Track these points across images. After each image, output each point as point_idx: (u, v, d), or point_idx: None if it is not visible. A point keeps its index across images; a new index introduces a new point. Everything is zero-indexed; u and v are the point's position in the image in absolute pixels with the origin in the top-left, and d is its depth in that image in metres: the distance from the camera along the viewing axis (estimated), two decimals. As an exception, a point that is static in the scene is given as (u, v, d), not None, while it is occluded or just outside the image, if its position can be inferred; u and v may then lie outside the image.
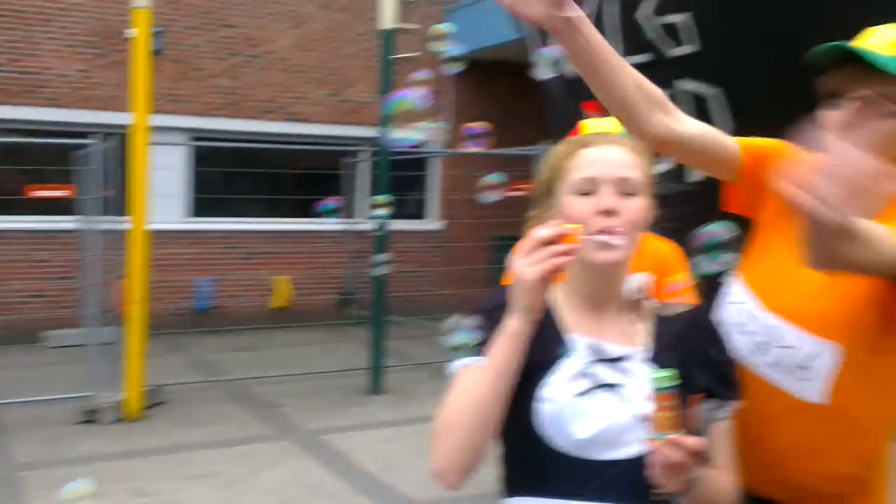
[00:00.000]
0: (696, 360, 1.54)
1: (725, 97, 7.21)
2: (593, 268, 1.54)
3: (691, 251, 1.56)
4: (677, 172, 7.98)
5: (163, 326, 9.76)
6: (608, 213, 1.50)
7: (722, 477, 1.53)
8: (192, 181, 11.08)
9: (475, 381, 1.46)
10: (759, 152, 1.72)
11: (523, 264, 1.42)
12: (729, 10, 7.16)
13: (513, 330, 1.44)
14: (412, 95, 1.50)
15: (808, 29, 6.80)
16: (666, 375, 1.35)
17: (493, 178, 1.99)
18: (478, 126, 2.17)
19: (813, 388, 1.61)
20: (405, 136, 1.52)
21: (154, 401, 6.89)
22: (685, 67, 7.61)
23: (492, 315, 1.51)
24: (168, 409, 6.88)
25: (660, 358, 1.53)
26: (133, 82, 6.70)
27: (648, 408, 1.40)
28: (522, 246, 1.44)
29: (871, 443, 1.68)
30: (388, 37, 7.87)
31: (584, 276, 1.55)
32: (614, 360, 1.52)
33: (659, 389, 1.34)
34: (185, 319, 10.65)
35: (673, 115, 1.69)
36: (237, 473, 5.43)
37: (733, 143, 1.71)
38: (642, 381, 1.49)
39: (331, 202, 2.34)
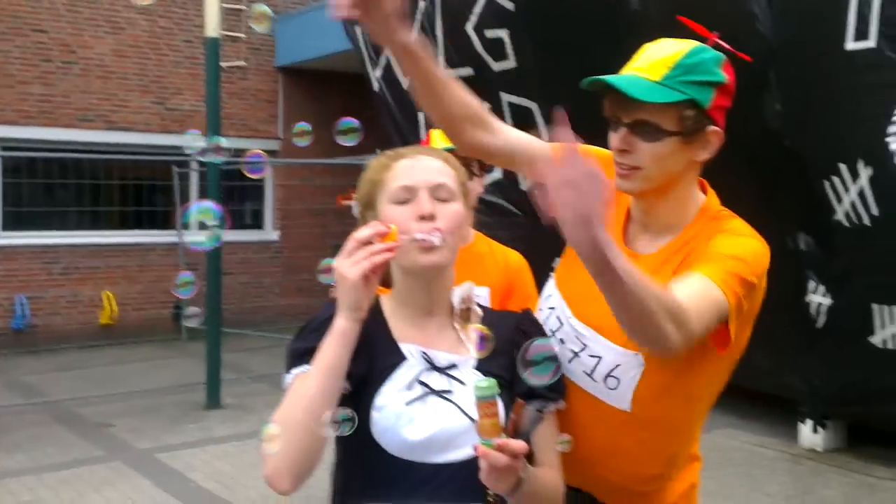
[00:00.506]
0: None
1: (541, 111, 7.61)
2: (419, 273, 1.59)
3: (520, 359, 1.54)
4: (511, 181, 8.34)
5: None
6: (426, 217, 1.55)
7: (549, 475, 1.60)
8: (3, 194, 10.40)
9: (305, 382, 1.49)
10: None
11: (345, 264, 1.48)
12: (536, 28, 7.58)
13: (339, 329, 1.49)
14: (207, 206, 1.53)
15: (605, 51, 7.27)
16: (487, 384, 1.39)
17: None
18: (256, 153, 2.25)
19: (619, 396, 1.67)
20: (196, 240, 1.59)
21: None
22: (507, 82, 7.98)
23: (324, 326, 1.54)
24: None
25: (489, 364, 1.58)
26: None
27: (475, 414, 1.45)
28: (344, 248, 1.51)
29: (673, 446, 1.76)
30: (213, 45, 7.71)
31: (412, 285, 1.61)
32: (445, 369, 1.57)
33: (481, 398, 1.39)
34: (3, 340, 9.95)
35: (489, 129, 1.79)
36: (63, 499, 5.16)
37: (547, 151, 1.78)
38: (471, 388, 1.53)
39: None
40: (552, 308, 1.79)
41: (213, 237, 1.78)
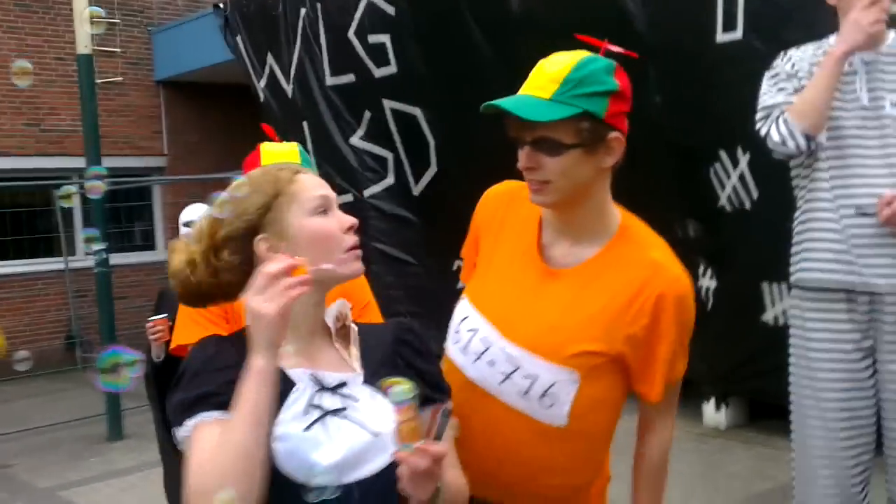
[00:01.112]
0: (409, 374, 1.58)
1: (425, 116, 7.65)
2: (342, 282, 1.61)
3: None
4: (402, 184, 8.33)
5: None
6: (353, 228, 1.59)
7: (456, 476, 1.62)
8: None
9: (231, 431, 1.41)
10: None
11: (258, 301, 1.42)
12: (418, 32, 7.61)
13: (259, 368, 1.42)
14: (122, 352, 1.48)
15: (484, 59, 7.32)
16: (405, 388, 1.40)
17: None
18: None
19: (555, 413, 1.71)
20: (110, 383, 1.49)
21: None
22: (390, 88, 7.97)
23: (207, 370, 1.50)
24: None
25: (375, 378, 1.57)
26: None
27: (381, 425, 1.47)
28: (252, 283, 1.45)
29: (602, 452, 1.87)
30: (87, 61, 7.42)
31: (303, 308, 1.55)
32: (336, 388, 1.55)
33: (399, 402, 1.39)
34: None
35: None
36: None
37: None
38: (366, 403, 1.54)
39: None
40: (473, 330, 1.79)
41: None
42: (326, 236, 1.55)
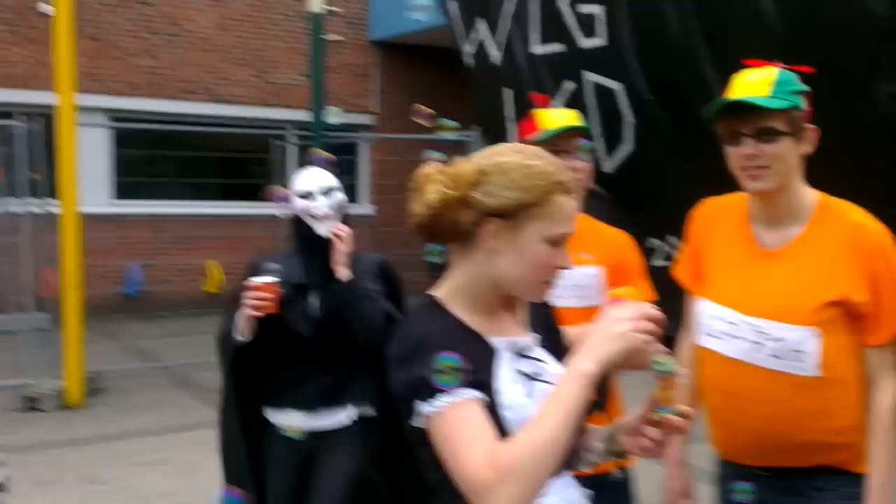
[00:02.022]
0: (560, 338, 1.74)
1: (626, 93, 7.53)
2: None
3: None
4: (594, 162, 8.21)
5: (93, 312, 9.50)
6: (562, 269, 1.59)
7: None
8: (114, 164, 10.79)
9: (547, 428, 1.39)
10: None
11: (624, 325, 1.44)
12: (632, 9, 7.43)
13: (590, 376, 1.42)
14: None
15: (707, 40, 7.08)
16: (670, 360, 1.50)
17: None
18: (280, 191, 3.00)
19: (807, 366, 2.01)
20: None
21: (93, 388, 6.75)
22: (593, 60, 7.87)
23: (449, 344, 1.48)
24: (109, 396, 6.74)
25: (547, 341, 1.65)
26: (56, 61, 6.50)
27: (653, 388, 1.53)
28: (624, 311, 1.46)
29: (856, 398, 2.07)
30: (318, 20, 7.83)
31: (489, 285, 1.57)
32: (527, 353, 1.61)
33: (665, 372, 1.49)
34: (115, 305, 10.39)
35: None
36: (188, 459, 5.39)
37: None
38: (550, 365, 1.61)
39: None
40: (719, 318, 2.11)
41: None
42: (541, 267, 1.55)
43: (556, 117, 2.52)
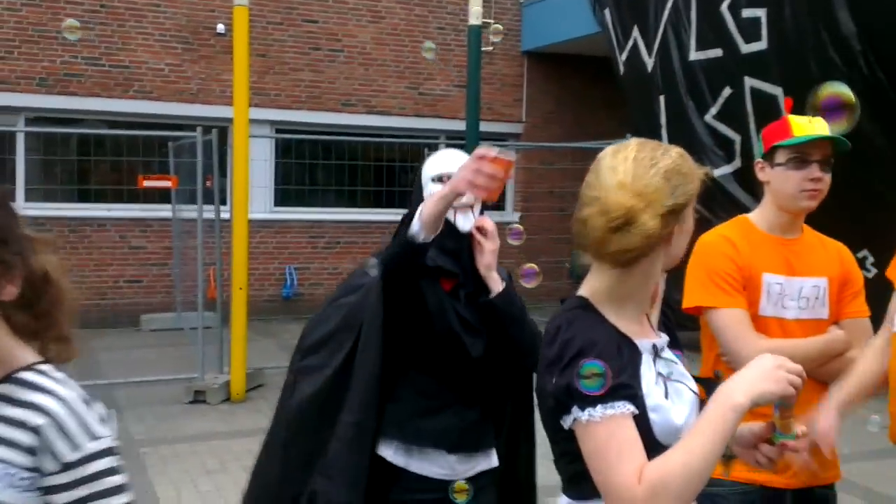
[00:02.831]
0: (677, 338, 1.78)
1: (785, 96, 7.25)
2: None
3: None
4: (749, 171, 8.02)
5: (253, 312, 10.07)
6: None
7: None
8: (276, 173, 11.38)
9: (698, 458, 1.43)
10: None
11: (780, 371, 1.51)
12: (794, 11, 7.16)
13: (742, 410, 1.47)
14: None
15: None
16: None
17: None
18: (529, 268, 2.50)
19: None
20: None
21: (254, 383, 7.16)
22: (753, 65, 7.65)
23: (613, 356, 1.50)
24: (268, 391, 7.13)
25: (673, 341, 1.71)
26: (233, 78, 6.94)
27: (693, 384, 1.66)
28: (781, 361, 1.52)
29: None
30: (476, 33, 7.99)
31: (641, 282, 1.61)
32: (662, 353, 1.65)
33: (783, 406, 1.59)
34: (274, 306, 10.97)
35: None
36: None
37: None
38: (679, 364, 1.69)
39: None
40: None
41: None
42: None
43: (805, 125, 2.39)
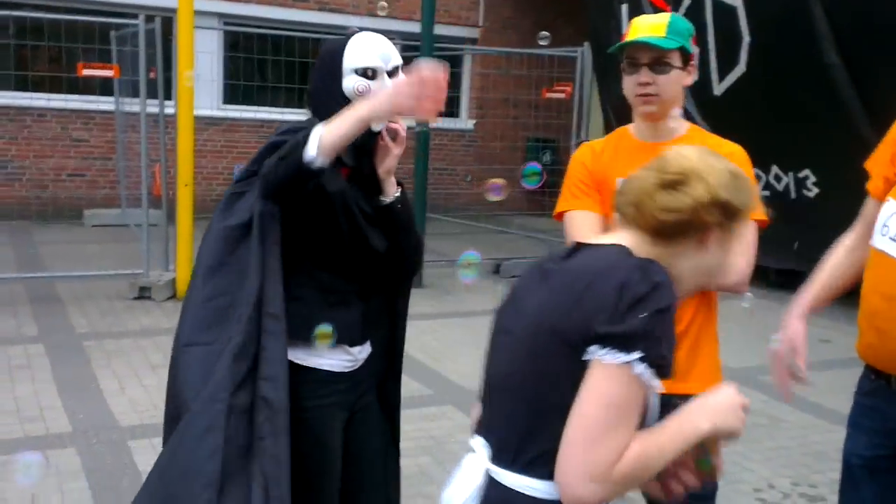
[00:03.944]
0: None
1: (746, 11, 7.28)
2: None
3: None
4: (703, 85, 7.98)
5: (200, 210, 9.91)
6: None
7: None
8: (224, 68, 11.05)
9: (662, 451, 1.45)
10: None
11: (730, 418, 1.51)
12: None
13: (703, 434, 1.49)
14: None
15: None
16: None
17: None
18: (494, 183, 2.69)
19: None
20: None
21: (200, 282, 7.10)
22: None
23: (672, 327, 1.45)
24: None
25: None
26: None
27: None
28: (745, 400, 1.52)
29: None
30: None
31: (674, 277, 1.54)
32: None
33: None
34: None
35: None
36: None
37: None
38: None
39: (472, 253, 2.59)
40: None
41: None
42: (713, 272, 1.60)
43: (644, 24, 2.33)
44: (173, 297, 6.82)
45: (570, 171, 2.42)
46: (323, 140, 2.00)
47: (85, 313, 6.31)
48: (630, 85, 2.30)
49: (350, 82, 2.19)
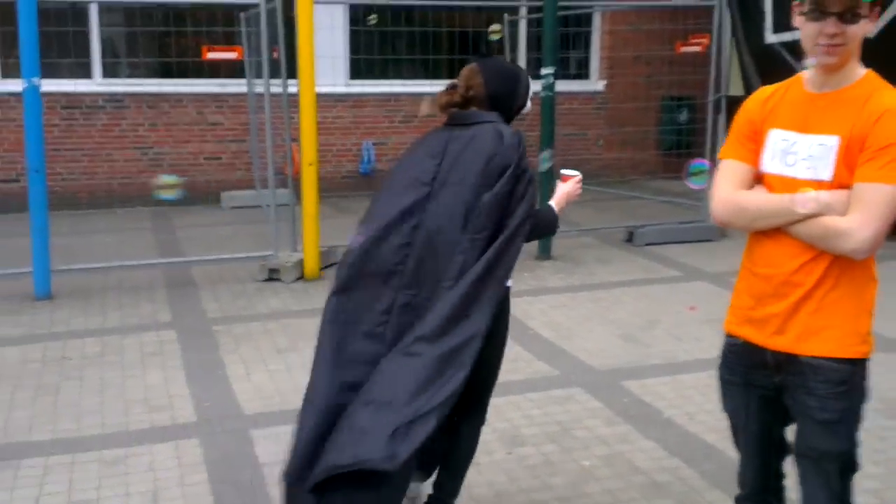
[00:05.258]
0: None
1: None
2: None
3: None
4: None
5: (330, 189, 9.98)
6: None
7: None
8: (348, 42, 11.01)
9: None
10: None
11: None
12: None
13: None
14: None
15: None
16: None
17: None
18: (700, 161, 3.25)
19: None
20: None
21: (329, 261, 7.10)
22: None
23: None
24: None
25: None
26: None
27: None
28: None
29: None
30: None
31: None
32: None
33: None
34: (351, 182, 10.86)
35: None
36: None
37: None
38: None
39: (700, 163, 3.05)
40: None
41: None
42: None
43: None
44: (301, 278, 6.84)
45: (736, 116, 2.43)
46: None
47: (217, 297, 6.41)
48: (811, 33, 2.17)
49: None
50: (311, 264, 6.86)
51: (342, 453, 2.41)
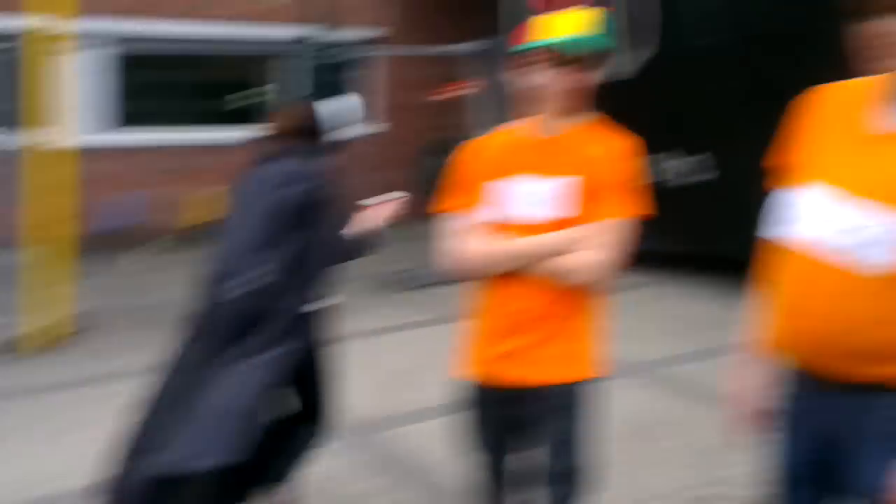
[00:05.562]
0: None
1: None
2: None
3: None
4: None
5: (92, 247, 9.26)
6: None
7: None
8: (111, 90, 10.43)
9: None
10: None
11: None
12: None
13: None
14: None
15: None
16: None
17: None
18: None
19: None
20: None
21: (83, 325, 6.55)
22: None
23: None
24: (103, 334, 6.54)
25: None
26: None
27: None
28: None
29: None
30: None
31: None
32: None
33: None
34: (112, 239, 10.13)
35: None
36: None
37: None
38: None
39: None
40: (813, 200, 1.86)
41: None
42: None
43: (549, 24, 2.30)
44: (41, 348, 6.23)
45: (452, 168, 2.48)
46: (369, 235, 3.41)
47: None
48: (533, 81, 2.28)
49: None
50: (62, 329, 6.30)
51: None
